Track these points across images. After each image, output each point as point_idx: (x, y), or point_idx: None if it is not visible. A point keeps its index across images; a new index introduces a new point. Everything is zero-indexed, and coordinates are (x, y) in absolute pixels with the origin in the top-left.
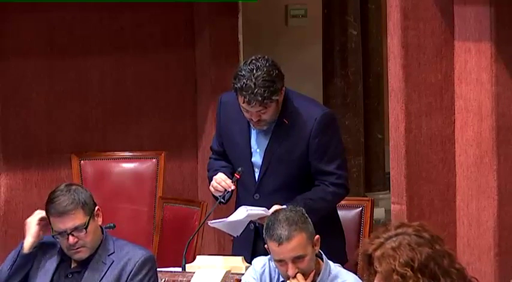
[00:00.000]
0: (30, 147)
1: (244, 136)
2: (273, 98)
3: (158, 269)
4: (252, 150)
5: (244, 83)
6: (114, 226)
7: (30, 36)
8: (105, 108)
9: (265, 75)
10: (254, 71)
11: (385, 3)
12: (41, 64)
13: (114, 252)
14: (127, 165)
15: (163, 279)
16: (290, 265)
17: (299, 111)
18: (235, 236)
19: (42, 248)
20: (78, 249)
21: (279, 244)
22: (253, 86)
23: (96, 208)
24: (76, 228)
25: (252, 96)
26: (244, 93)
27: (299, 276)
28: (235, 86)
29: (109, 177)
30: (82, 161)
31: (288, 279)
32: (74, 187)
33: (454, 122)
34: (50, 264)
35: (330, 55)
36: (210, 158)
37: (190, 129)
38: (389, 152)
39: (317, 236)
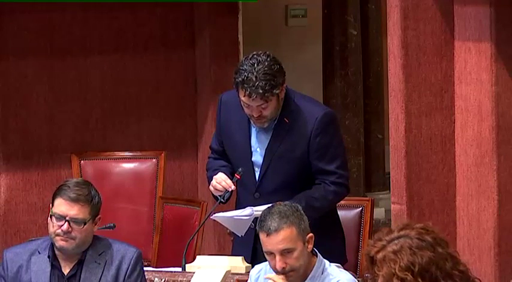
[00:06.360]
0: (30, 147)
1: (244, 135)
2: (274, 91)
3: (158, 269)
4: (252, 149)
5: (245, 76)
6: (114, 226)
7: (30, 36)
8: (105, 108)
9: (266, 68)
10: (255, 65)
11: (385, 3)
12: (41, 64)
13: (104, 251)
14: (127, 165)
15: (163, 279)
16: (278, 258)
17: (300, 110)
18: (240, 235)
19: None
20: (66, 239)
21: (267, 235)
22: (254, 79)
23: (99, 216)
24: (75, 219)
25: (253, 89)
26: (245, 85)
27: (271, 275)
28: (237, 80)
29: (109, 177)
30: (82, 161)
31: (277, 273)
32: (94, 189)
33: (454, 122)
34: (42, 274)
35: (330, 55)
36: (209, 157)
37: (190, 129)
38: (389, 152)
39: (310, 234)
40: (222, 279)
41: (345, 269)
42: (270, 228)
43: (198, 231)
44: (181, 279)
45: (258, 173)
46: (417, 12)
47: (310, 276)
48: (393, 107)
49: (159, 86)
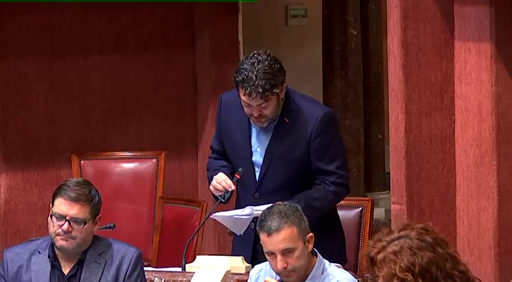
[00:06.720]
0: (30, 147)
1: (244, 135)
2: (274, 90)
3: (158, 269)
4: (253, 149)
5: (245, 75)
6: (114, 226)
7: (30, 36)
8: (105, 108)
9: (266, 68)
10: (255, 64)
11: (385, 3)
12: (41, 64)
13: (104, 251)
14: (127, 165)
15: (163, 279)
16: (279, 257)
17: (300, 110)
18: (238, 234)
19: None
20: (66, 238)
21: (268, 235)
22: (254, 78)
23: (99, 216)
24: (76, 219)
25: (253, 88)
26: (245, 84)
27: (270, 279)
28: (237, 79)
29: (109, 177)
30: (82, 161)
31: (278, 273)
32: (94, 188)
33: (454, 122)
34: (42, 274)
35: (330, 55)
36: (209, 157)
37: (190, 129)
38: (389, 152)
39: (311, 234)
40: (222, 279)
41: (345, 269)
42: (270, 228)
43: (198, 231)
44: (181, 279)
45: (258, 173)
46: (417, 12)
47: (310, 276)
48: (393, 107)
49: (159, 86)
